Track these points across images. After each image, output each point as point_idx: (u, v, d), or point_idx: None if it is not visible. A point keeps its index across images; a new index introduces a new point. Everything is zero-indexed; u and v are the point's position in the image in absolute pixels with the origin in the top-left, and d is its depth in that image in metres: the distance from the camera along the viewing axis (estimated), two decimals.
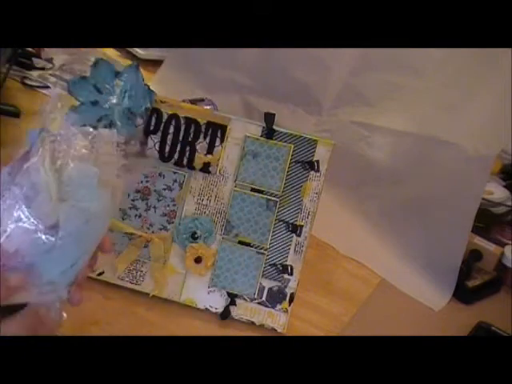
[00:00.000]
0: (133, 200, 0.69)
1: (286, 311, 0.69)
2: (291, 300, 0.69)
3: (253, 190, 0.69)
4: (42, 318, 0.41)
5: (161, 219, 0.69)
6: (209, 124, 0.68)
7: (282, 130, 0.68)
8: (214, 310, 0.69)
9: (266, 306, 0.69)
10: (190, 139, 0.68)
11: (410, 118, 0.94)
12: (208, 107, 0.93)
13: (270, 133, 0.68)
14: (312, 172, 0.68)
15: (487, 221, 1.00)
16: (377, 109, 0.97)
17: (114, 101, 0.62)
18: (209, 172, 0.69)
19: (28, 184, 0.41)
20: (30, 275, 0.41)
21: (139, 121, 0.67)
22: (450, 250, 0.86)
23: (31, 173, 0.41)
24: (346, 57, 0.97)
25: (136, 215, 0.69)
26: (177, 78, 1.15)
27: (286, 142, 0.68)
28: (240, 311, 0.69)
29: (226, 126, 0.68)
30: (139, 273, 0.69)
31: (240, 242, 0.69)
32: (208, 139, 0.68)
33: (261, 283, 0.69)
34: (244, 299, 0.69)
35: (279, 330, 0.69)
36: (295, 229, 0.69)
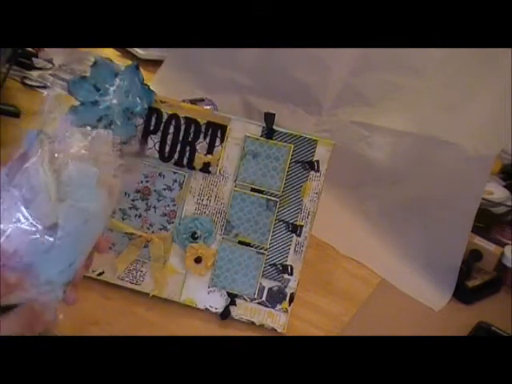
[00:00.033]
0: (133, 200, 0.69)
1: (286, 311, 0.69)
2: (291, 300, 0.69)
3: (253, 190, 0.69)
4: (38, 315, 0.41)
5: (161, 219, 0.69)
6: (209, 124, 0.68)
7: (282, 130, 0.68)
8: (214, 310, 0.69)
9: (266, 306, 0.69)
10: (189, 139, 0.68)
11: (410, 118, 0.94)
12: (208, 107, 0.93)
13: (270, 133, 0.68)
14: (312, 172, 0.68)
15: (487, 221, 1.00)
16: (377, 109, 0.97)
17: (114, 101, 0.62)
18: (209, 172, 0.69)
19: (27, 185, 0.41)
20: (28, 275, 0.41)
21: (139, 121, 0.67)
22: (450, 250, 0.86)
23: (30, 173, 0.41)
24: (346, 57, 0.97)
25: (136, 215, 0.69)
26: (177, 77, 1.15)
27: (285, 141, 0.68)
28: (240, 311, 0.69)
29: (225, 126, 0.68)
30: (139, 273, 0.69)
31: (240, 242, 0.69)
32: (208, 139, 0.68)
33: (261, 283, 0.69)
34: (244, 299, 0.69)
35: (279, 330, 0.69)
36: (295, 229, 0.69)
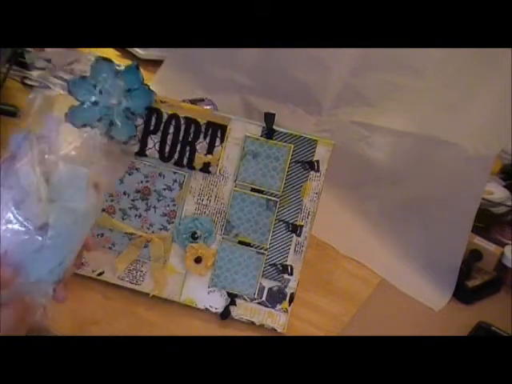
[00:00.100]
0: (133, 200, 0.69)
1: (285, 311, 0.69)
2: (291, 300, 0.69)
3: (253, 190, 0.69)
4: (28, 308, 0.42)
5: (161, 219, 0.69)
6: (209, 124, 0.68)
7: (282, 130, 0.68)
8: (214, 310, 0.69)
9: (266, 306, 0.69)
10: (190, 139, 0.68)
11: (410, 117, 0.94)
12: (208, 107, 0.93)
13: (270, 133, 0.68)
14: (312, 172, 0.68)
15: (487, 221, 1.00)
16: (377, 109, 0.97)
17: (114, 101, 0.62)
18: (209, 172, 0.69)
19: (17, 186, 0.41)
20: (19, 274, 0.41)
21: (139, 121, 0.67)
22: (450, 250, 0.86)
23: (20, 175, 0.42)
24: (346, 57, 0.97)
25: (136, 215, 0.69)
26: (177, 77, 1.14)
27: (285, 141, 0.68)
28: (240, 311, 0.69)
29: (226, 126, 0.68)
30: (139, 273, 0.69)
31: (240, 242, 0.69)
32: (208, 139, 0.68)
33: (261, 283, 0.69)
34: (244, 299, 0.69)
35: (279, 330, 0.69)
36: (295, 229, 0.69)
